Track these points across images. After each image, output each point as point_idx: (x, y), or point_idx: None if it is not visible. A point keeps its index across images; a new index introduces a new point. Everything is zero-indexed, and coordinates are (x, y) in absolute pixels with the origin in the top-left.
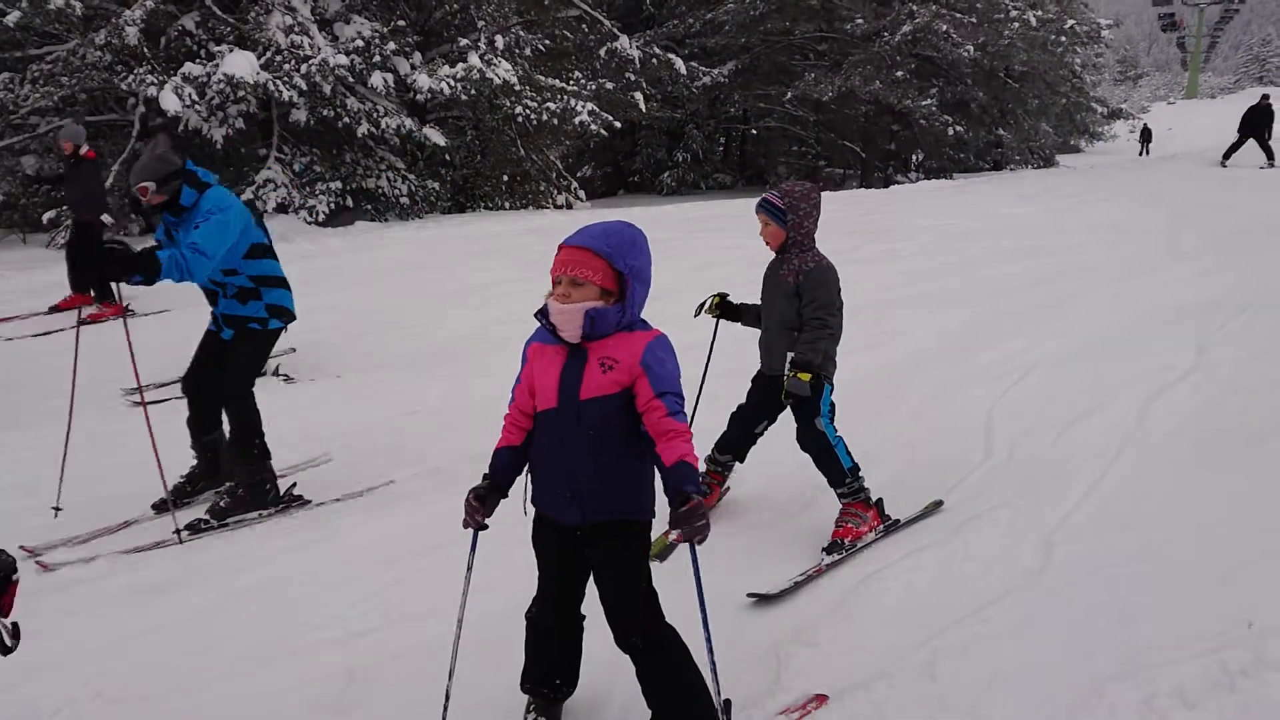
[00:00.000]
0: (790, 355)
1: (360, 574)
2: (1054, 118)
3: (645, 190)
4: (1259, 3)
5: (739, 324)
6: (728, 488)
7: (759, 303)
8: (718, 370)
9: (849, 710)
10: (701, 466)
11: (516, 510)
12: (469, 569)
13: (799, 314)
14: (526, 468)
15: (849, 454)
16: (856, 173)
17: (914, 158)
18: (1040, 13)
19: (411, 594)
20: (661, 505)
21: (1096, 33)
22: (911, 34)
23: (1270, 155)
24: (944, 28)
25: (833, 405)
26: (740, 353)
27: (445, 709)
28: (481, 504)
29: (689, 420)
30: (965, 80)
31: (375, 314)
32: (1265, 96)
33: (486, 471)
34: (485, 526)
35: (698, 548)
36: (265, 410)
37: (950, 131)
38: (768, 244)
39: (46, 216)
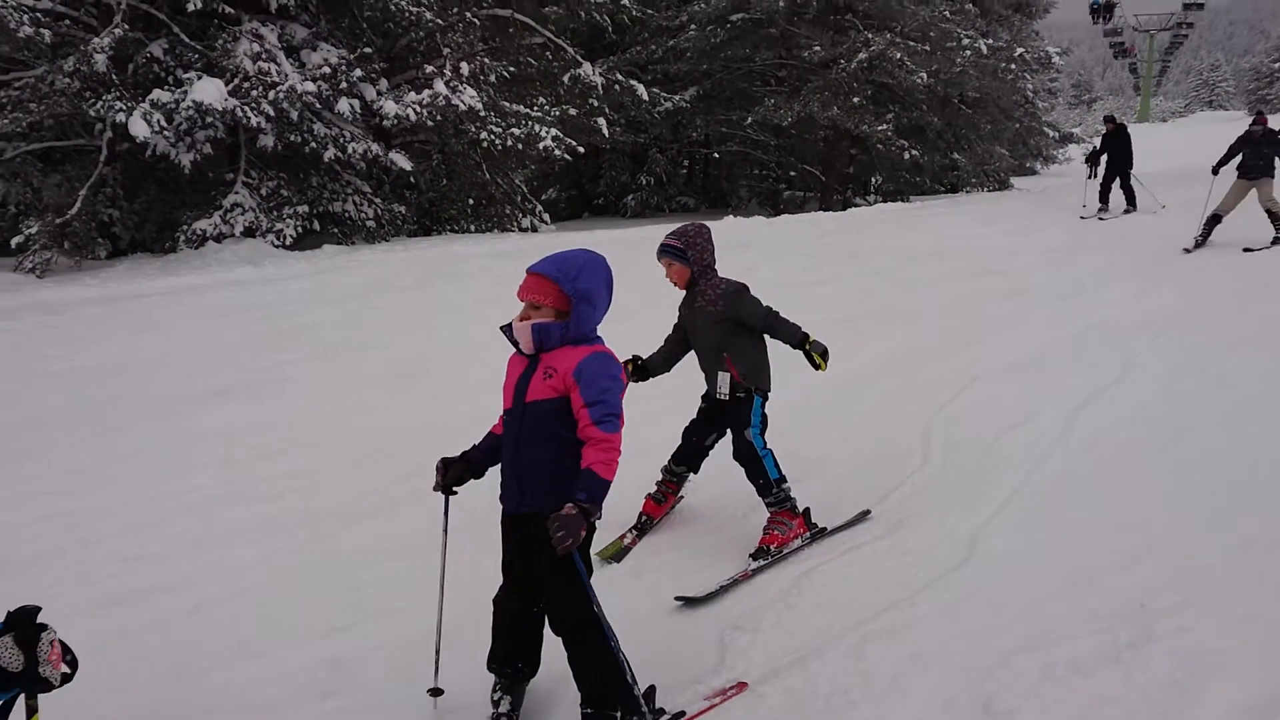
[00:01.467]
0: (723, 375)
1: (340, 575)
2: (1007, 142)
3: (609, 213)
4: (1208, 29)
5: (654, 378)
6: (682, 495)
7: (660, 346)
8: (674, 388)
9: (784, 684)
10: (659, 476)
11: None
12: (444, 531)
13: (728, 335)
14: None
15: (776, 466)
16: (817, 195)
17: (872, 181)
18: (991, 41)
19: (389, 592)
20: (616, 506)
21: (1047, 59)
22: (867, 61)
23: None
24: (898, 55)
25: (764, 419)
26: (694, 373)
27: (436, 669)
28: (445, 466)
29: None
30: (920, 106)
31: (343, 335)
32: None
33: (468, 447)
34: (453, 492)
35: (571, 546)
36: (240, 425)
37: (906, 155)
38: (675, 284)
39: (14, 241)
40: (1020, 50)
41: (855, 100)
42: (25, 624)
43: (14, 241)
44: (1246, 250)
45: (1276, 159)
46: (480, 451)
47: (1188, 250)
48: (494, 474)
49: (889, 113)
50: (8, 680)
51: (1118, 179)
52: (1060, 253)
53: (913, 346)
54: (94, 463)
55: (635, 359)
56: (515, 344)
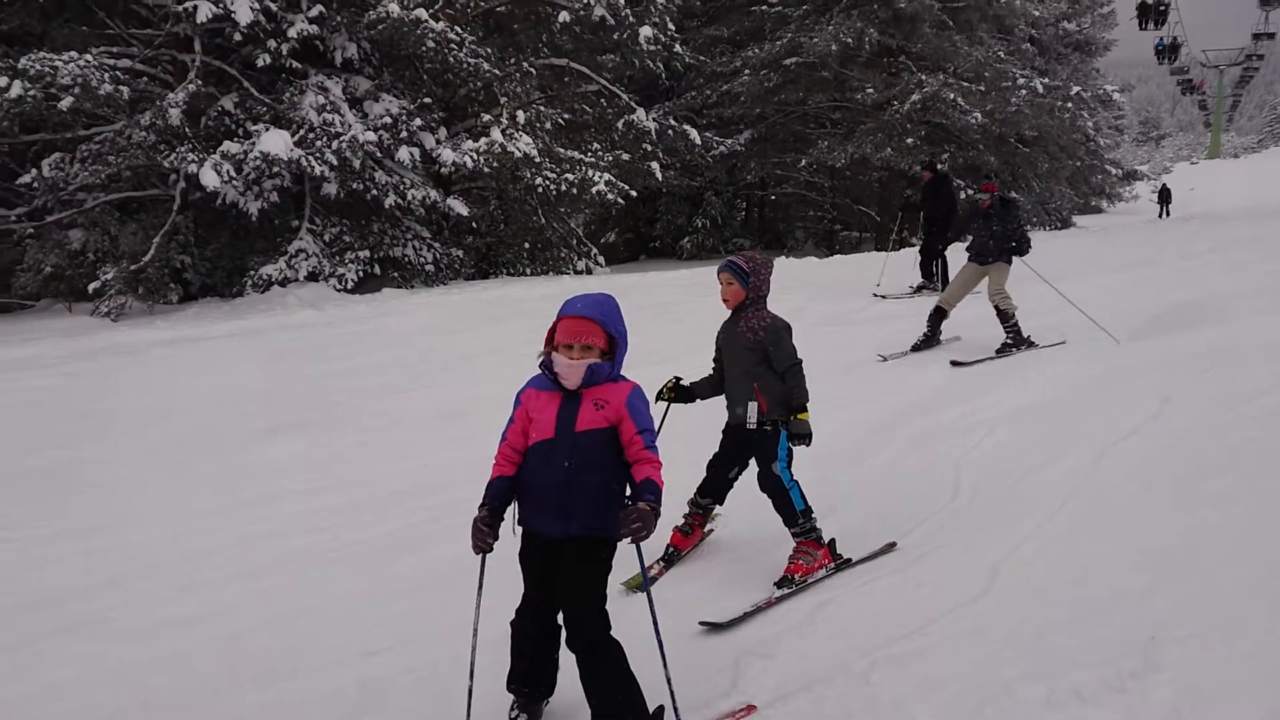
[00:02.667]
0: (752, 405)
1: (375, 604)
2: (1067, 180)
3: (666, 255)
4: None
5: (696, 401)
6: (711, 529)
7: (708, 373)
8: (696, 422)
9: (792, 708)
10: (685, 509)
11: (512, 540)
12: (479, 588)
13: (760, 364)
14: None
15: (802, 497)
16: (872, 236)
17: None
18: (1048, 80)
19: (421, 621)
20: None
21: (1107, 97)
22: (921, 103)
23: None
24: (952, 96)
25: (790, 451)
26: (715, 409)
27: (469, 703)
28: (490, 530)
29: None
30: (976, 145)
31: (396, 376)
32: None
33: (484, 500)
34: (492, 549)
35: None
36: (292, 462)
37: (963, 195)
38: (725, 302)
39: (91, 287)
40: (1077, 89)
41: (909, 141)
42: None
43: (91, 287)
44: (955, 364)
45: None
46: (500, 498)
47: (882, 358)
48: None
49: (944, 152)
50: None
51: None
52: (1110, 292)
53: (949, 385)
54: (155, 497)
55: (676, 380)
56: (551, 378)
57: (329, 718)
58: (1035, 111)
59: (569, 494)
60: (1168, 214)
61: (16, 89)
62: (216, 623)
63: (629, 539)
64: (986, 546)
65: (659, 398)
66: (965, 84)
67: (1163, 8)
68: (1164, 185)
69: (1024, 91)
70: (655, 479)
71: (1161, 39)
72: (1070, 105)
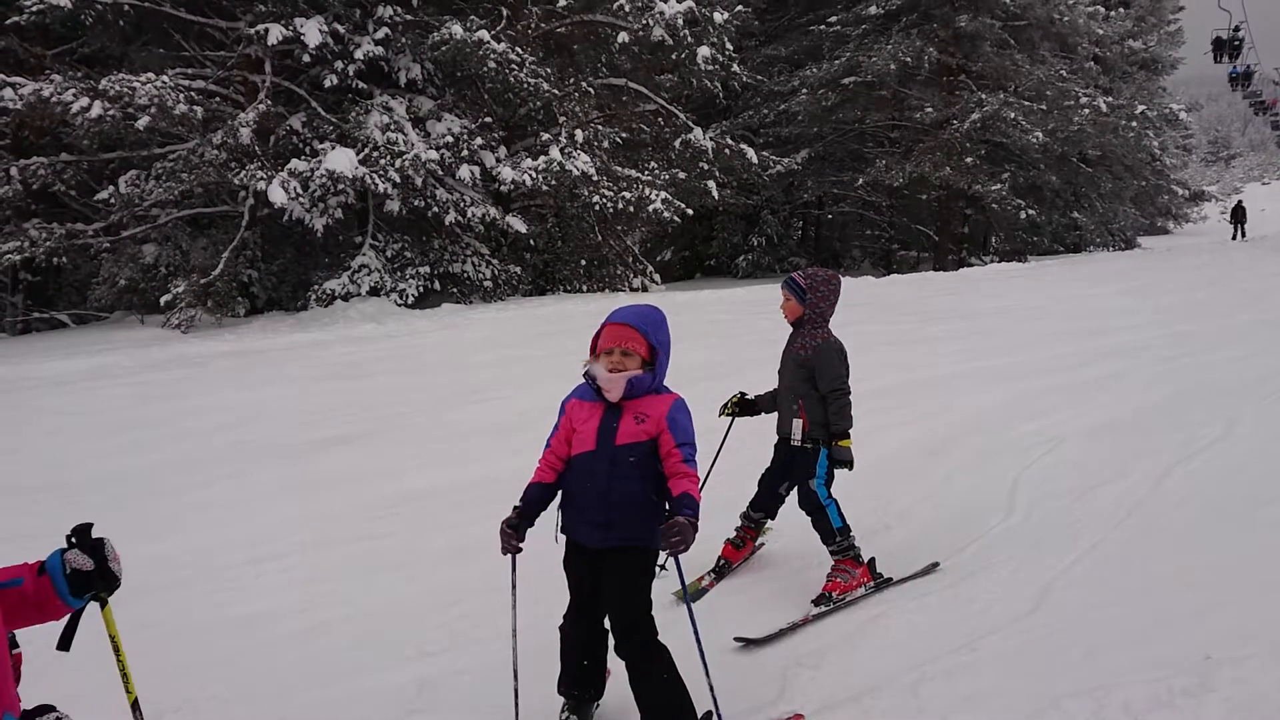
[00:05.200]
0: (796, 422)
1: (432, 608)
2: (1131, 201)
3: (721, 274)
4: None
5: (760, 415)
6: (762, 543)
7: (774, 386)
8: (751, 435)
9: (839, 717)
10: (738, 522)
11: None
12: (513, 586)
13: (805, 383)
14: (557, 502)
15: (840, 515)
16: (930, 255)
17: (991, 241)
18: (1111, 99)
19: (476, 624)
20: (697, 551)
21: (1174, 116)
22: (980, 121)
23: None
24: (1012, 115)
25: (830, 470)
26: (762, 425)
27: (516, 703)
28: (515, 531)
29: (701, 483)
30: (1037, 165)
31: (454, 389)
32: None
33: (517, 504)
34: (520, 550)
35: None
36: (354, 471)
37: (1023, 215)
38: (786, 318)
39: (163, 300)
40: (1142, 107)
41: (968, 160)
42: (85, 535)
43: (163, 300)
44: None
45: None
46: (534, 504)
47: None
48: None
49: (1004, 172)
50: (86, 581)
51: None
52: (1171, 313)
53: (1008, 405)
54: (223, 502)
55: (741, 395)
56: (595, 391)
57: (387, 715)
58: (1098, 130)
59: (609, 505)
60: (1243, 235)
61: (97, 109)
62: (281, 623)
63: (669, 552)
64: (1039, 564)
65: (723, 412)
66: (1026, 103)
67: (1237, 42)
68: (1238, 203)
69: (1087, 110)
70: (693, 493)
71: (1235, 68)
72: (1135, 124)
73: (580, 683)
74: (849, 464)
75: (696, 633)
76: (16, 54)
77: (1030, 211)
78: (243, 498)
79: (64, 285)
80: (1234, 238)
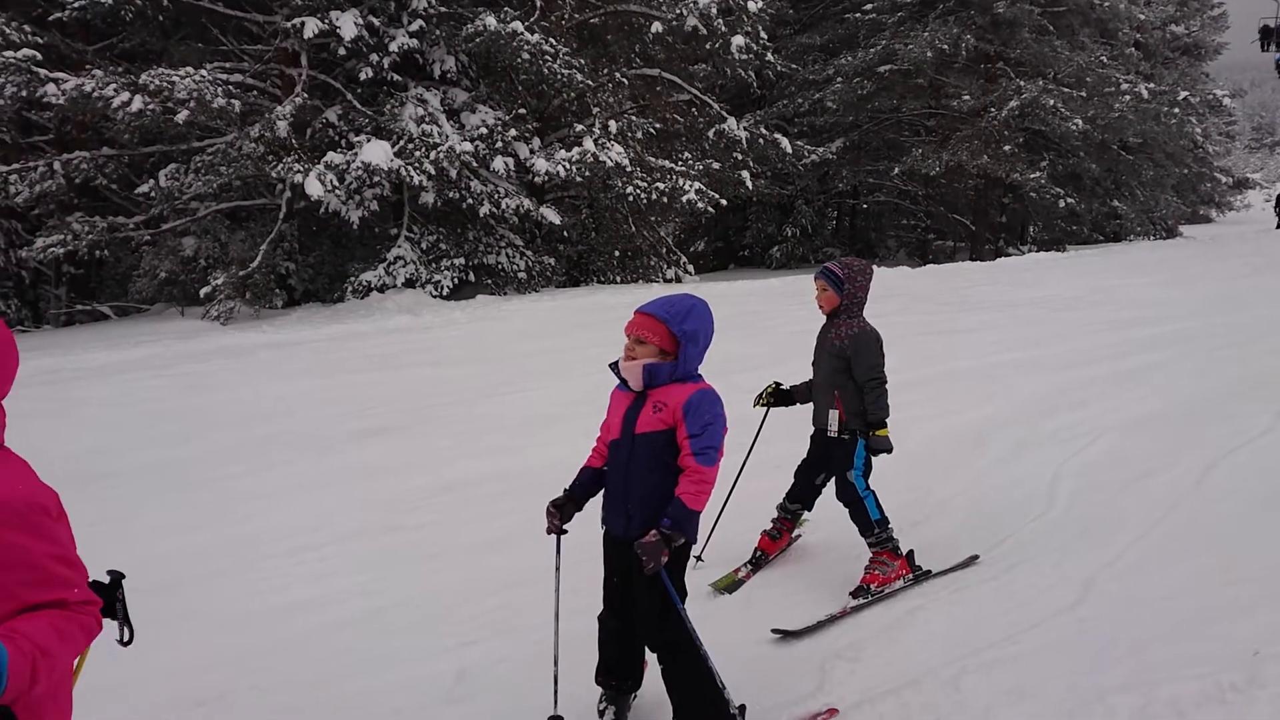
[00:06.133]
0: (832, 413)
1: (470, 598)
2: (1173, 189)
3: (755, 264)
4: None
5: (795, 405)
6: (799, 534)
7: (809, 376)
8: (788, 427)
9: (879, 710)
10: (774, 513)
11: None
12: (557, 569)
13: (842, 373)
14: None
15: (878, 507)
16: (967, 245)
17: (1029, 230)
18: (1153, 85)
19: (513, 614)
20: (735, 542)
21: (1217, 103)
22: (1019, 109)
23: None
24: (1052, 102)
25: (868, 461)
26: (800, 415)
27: (555, 699)
28: (559, 511)
29: (736, 473)
30: (1076, 153)
31: (488, 380)
32: None
33: (567, 486)
34: (564, 532)
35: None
36: (390, 462)
37: (1062, 204)
38: (821, 308)
39: (203, 292)
40: (1185, 94)
41: (1006, 148)
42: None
43: (203, 292)
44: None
45: None
46: (580, 487)
47: None
48: (593, 502)
49: (1043, 160)
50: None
51: None
52: (1216, 303)
53: (1048, 396)
54: (261, 492)
55: (776, 385)
56: (622, 381)
57: (427, 704)
58: (1140, 117)
59: (628, 495)
60: None
61: (137, 103)
62: (319, 612)
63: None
64: (1082, 557)
65: (758, 402)
66: (1066, 90)
67: None
68: None
69: (1128, 97)
70: (685, 498)
71: None
72: (1177, 111)
73: (618, 673)
74: (888, 450)
75: (694, 633)
76: (59, 50)
77: (1069, 200)
78: (281, 488)
79: (106, 278)
80: (1279, 226)
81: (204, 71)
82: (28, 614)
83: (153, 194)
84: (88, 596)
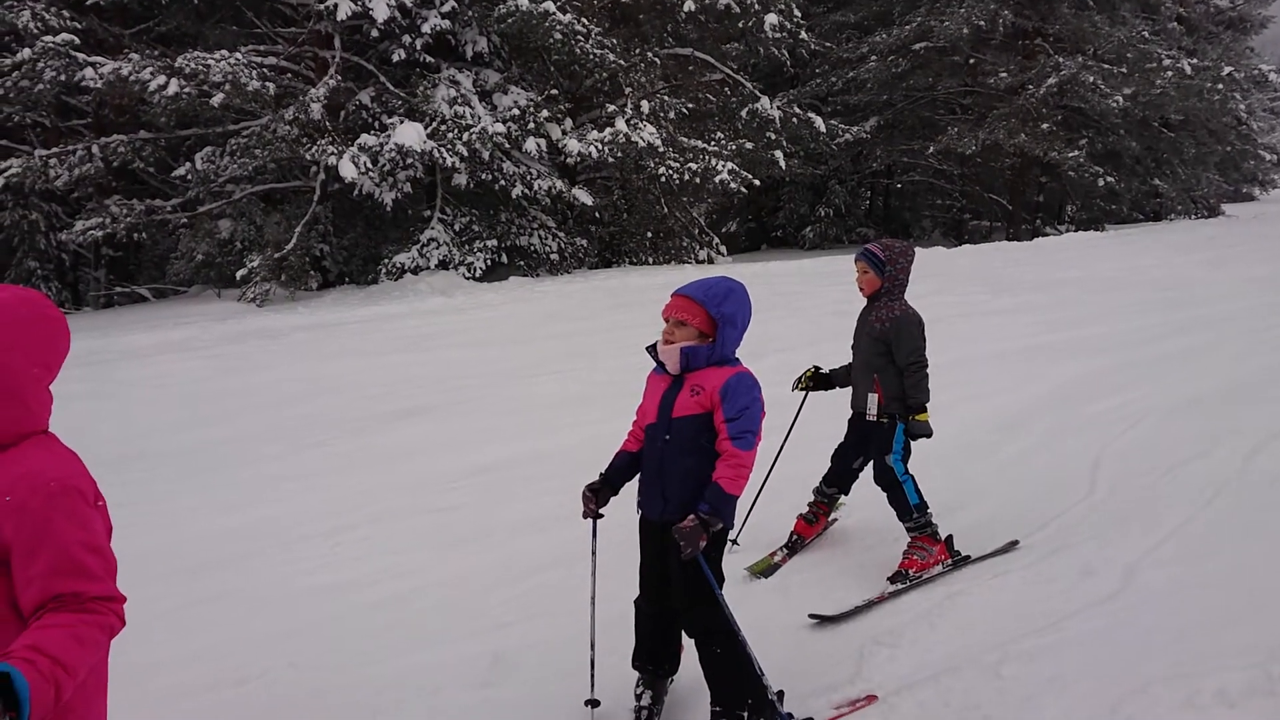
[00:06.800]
0: (872, 397)
1: (505, 580)
2: (1215, 166)
3: (788, 245)
4: None
5: (835, 389)
6: (835, 518)
7: (849, 360)
8: (816, 415)
9: (919, 698)
10: (810, 498)
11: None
12: (593, 553)
13: (882, 356)
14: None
15: (917, 491)
16: (1003, 225)
17: (1067, 209)
18: (1196, 60)
19: (549, 597)
20: (771, 526)
21: (1262, 78)
22: (1058, 86)
23: None
24: (1091, 79)
25: (906, 445)
26: (836, 399)
27: (592, 682)
28: (595, 495)
29: (773, 456)
30: (1116, 130)
31: (522, 362)
32: None
33: (603, 470)
34: (600, 515)
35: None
36: (424, 443)
37: (1101, 182)
38: (862, 290)
39: (239, 274)
40: (1229, 69)
41: (1044, 126)
42: None
43: (239, 274)
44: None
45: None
46: (616, 471)
47: None
48: (628, 487)
49: (1082, 138)
50: None
51: None
52: (1260, 284)
53: (1089, 378)
54: (297, 473)
55: (815, 369)
56: (659, 364)
57: (464, 686)
58: (1182, 94)
59: (664, 478)
60: None
61: (173, 86)
62: (356, 594)
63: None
64: (1123, 544)
65: (796, 386)
66: (1106, 66)
67: None
68: None
69: (1170, 73)
70: (723, 483)
71: None
72: (1221, 87)
73: (654, 657)
74: (927, 435)
75: (731, 619)
76: (96, 34)
77: (1109, 179)
78: (317, 469)
79: (144, 260)
80: None
81: (238, 54)
82: (47, 622)
83: (189, 177)
84: (110, 592)
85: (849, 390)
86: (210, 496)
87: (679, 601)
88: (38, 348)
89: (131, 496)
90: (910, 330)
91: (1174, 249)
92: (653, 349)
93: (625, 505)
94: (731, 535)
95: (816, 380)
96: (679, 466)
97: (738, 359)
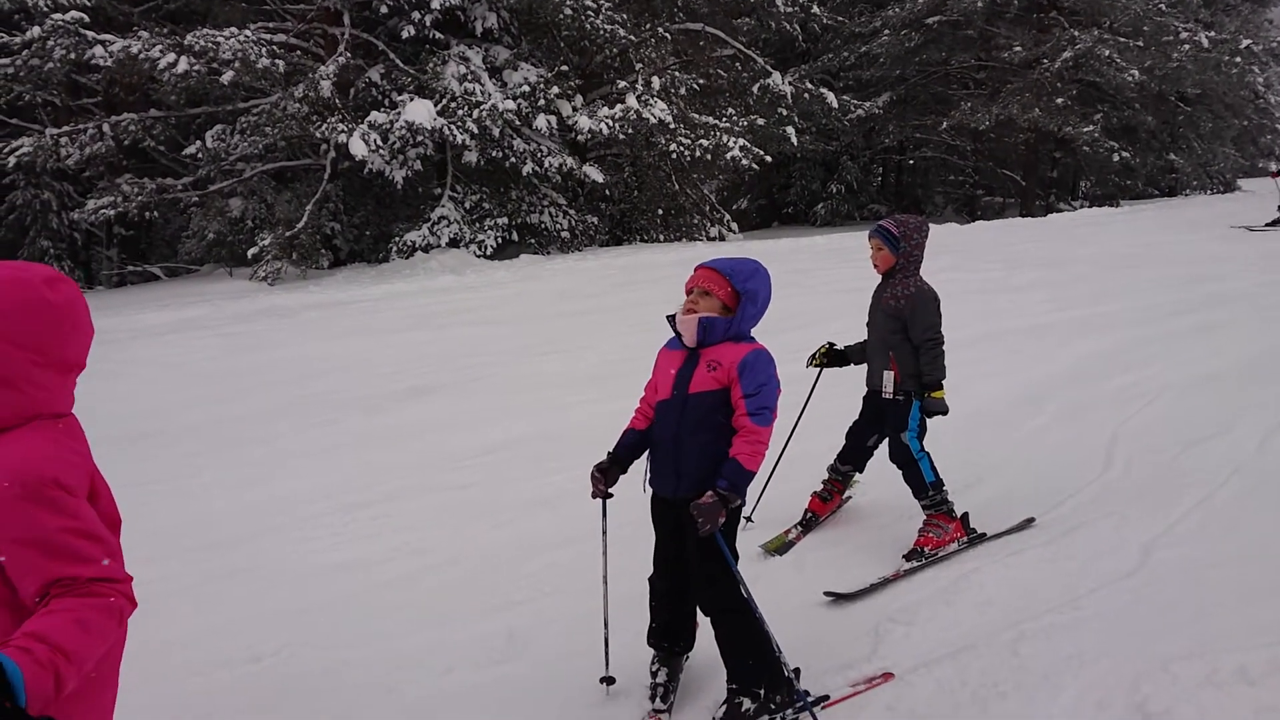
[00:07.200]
0: (887, 374)
1: (517, 558)
2: (1232, 141)
3: (799, 222)
4: None
5: (850, 366)
6: (849, 496)
7: (863, 337)
8: (830, 392)
9: (934, 674)
10: (824, 475)
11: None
12: (604, 533)
13: (897, 333)
14: (647, 452)
15: (933, 469)
16: (1016, 201)
17: (1081, 185)
18: (1214, 33)
19: (561, 575)
20: (785, 503)
21: None
22: (1073, 60)
23: None
24: (1107, 53)
25: (922, 423)
26: (851, 376)
27: (606, 660)
28: (603, 475)
29: (788, 433)
30: (1132, 105)
31: (532, 339)
32: None
33: (611, 449)
34: (609, 495)
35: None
36: (436, 421)
37: (1116, 158)
38: (876, 268)
39: (250, 252)
40: (1247, 42)
41: (1059, 101)
42: None
43: (250, 252)
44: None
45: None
46: (624, 449)
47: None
48: (637, 464)
49: (1097, 113)
50: None
51: None
52: (1275, 258)
53: (1103, 355)
54: (310, 451)
55: (829, 345)
56: (677, 335)
57: (478, 663)
58: (1199, 67)
59: (680, 455)
60: None
61: (183, 64)
62: (370, 571)
63: (697, 522)
64: (1141, 521)
65: (810, 363)
66: (1122, 39)
67: None
68: None
69: (1187, 46)
70: (741, 459)
71: None
72: (1239, 60)
73: (669, 635)
74: (943, 413)
75: (749, 596)
76: (106, 11)
77: (1124, 154)
78: (329, 447)
79: (156, 239)
80: None
81: (248, 32)
82: (50, 609)
83: (200, 155)
84: (110, 573)
85: (863, 368)
86: (223, 474)
87: (695, 579)
88: (28, 334)
89: (145, 474)
90: (926, 307)
91: (1189, 225)
92: (672, 319)
93: (636, 483)
94: (745, 513)
95: (831, 357)
96: (694, 443)
97: (753, 337)
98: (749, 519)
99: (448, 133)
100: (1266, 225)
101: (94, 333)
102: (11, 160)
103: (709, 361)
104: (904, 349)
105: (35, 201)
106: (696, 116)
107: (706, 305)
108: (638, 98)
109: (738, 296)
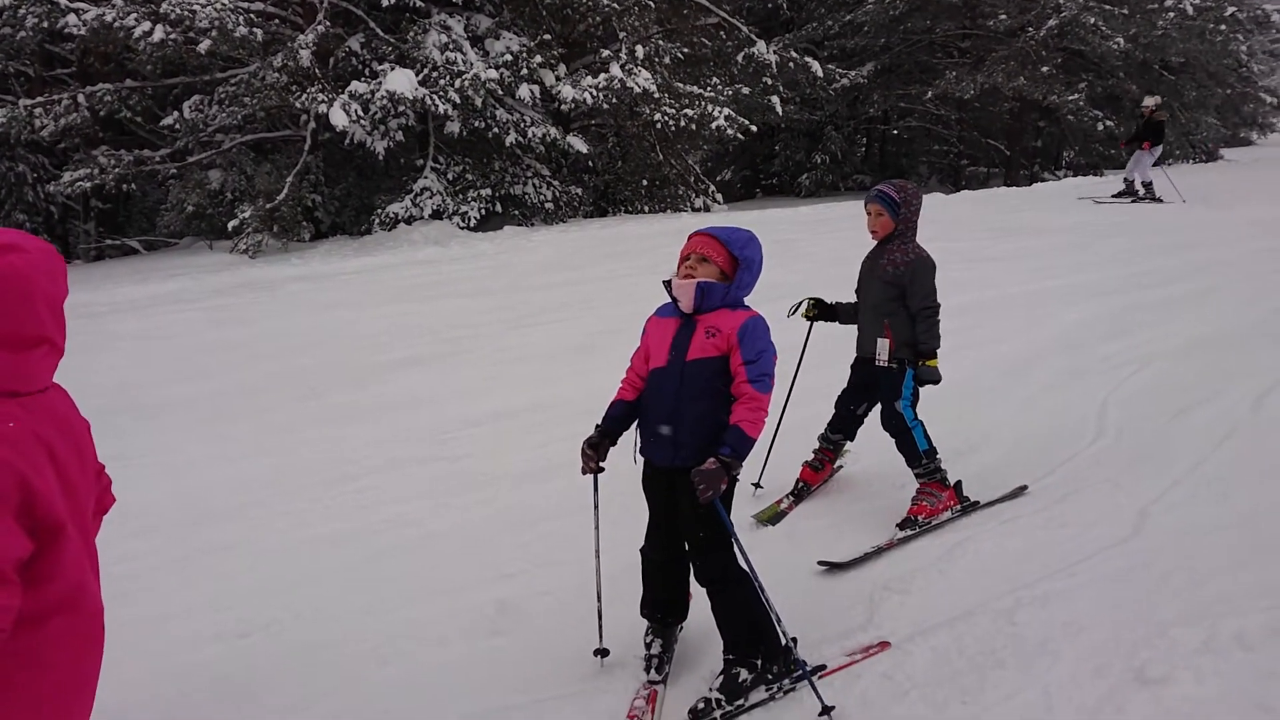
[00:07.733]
0: (882, 342)
1: (508, 530)
2: (1215, 110)
3: (783, 193)
4: None
5: (835, 323)
6: (840, 465)
7: (852, 299)
8: (821, 360)
9: (930, 643)
10: (815, 444)
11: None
12: (595, 506)
13: (894, 301)
14: (636, 423)
15: (926, 437)
16: (1001, 171)
17: (1064, 155)
18: (1199, 0)
19: (553, 546)
20: (776, 473)
21: (1265, 19)
22: (1058, 28)
23: None
24: (1092, 20)
25: (915, 391)
26: (841, 343)
27: (600, 632)
28: (595, 450)
29: (783, 401)
30: (1117, 73)
31: (518, 312)
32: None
33: (599, 422)
34: (601, 469)
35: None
36: (423, 394)
37: (1100, 127)
38: (874, 234)
39: (230, 225)
40: (1232, 9)
41: (1044, 69)
42: None
43: (230, 225)
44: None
45: None
46: (613, 422)
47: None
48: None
49: (1081, 81)
50: None
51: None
52: (1262, 226)
53: (1092, 323)
54: (297, 424)
55: (818, 300)
56: (673, 300)
57: (471, 636)
58: (1184, 35)
59: (677, 423)
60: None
61: (159, 33)
62: (359, 544)
63: (698, 489)
64: (1134, 488)
65: (795, 312)
66: (1107, 7)
67: None
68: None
69: (1172, 14)
70: (743, 426)
71: None
72: (1224, 28)
73: (663, 606)
74: (936, 381)
75: (752, 568)
76: None
77: (1108, 123)
78: (315, 420)
79: (134, 212)
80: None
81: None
82: None
83: (177, 126)
84: None
85: (853, 335)
86: (210, 448)
87: (691, 548)
88: None
89: (129, 449)
90: (927, 273)
91: (1174, 193)
92: (669, 283)
93: (626, 452)
94: (754, 479)
95: (820, 309)
96: (693, 411)
97: (748, 305)
98: (758, 485)
99: (429, 103)
100: (1113, 196)
101: (62, 300)
102: None
103: (707, 328)
104: (899, 316)
105: (10, 174)
106: (681, 86)
107: (705, 271)
108: (621, 67)
109: (735, 263)
